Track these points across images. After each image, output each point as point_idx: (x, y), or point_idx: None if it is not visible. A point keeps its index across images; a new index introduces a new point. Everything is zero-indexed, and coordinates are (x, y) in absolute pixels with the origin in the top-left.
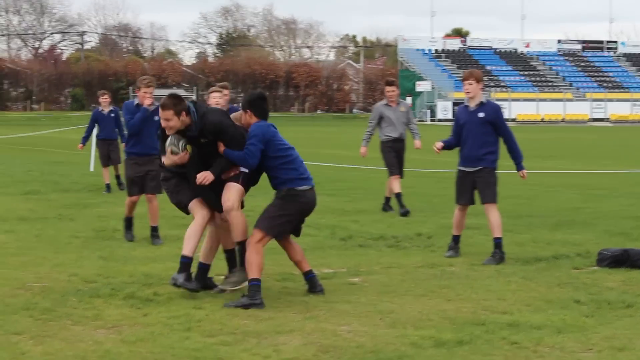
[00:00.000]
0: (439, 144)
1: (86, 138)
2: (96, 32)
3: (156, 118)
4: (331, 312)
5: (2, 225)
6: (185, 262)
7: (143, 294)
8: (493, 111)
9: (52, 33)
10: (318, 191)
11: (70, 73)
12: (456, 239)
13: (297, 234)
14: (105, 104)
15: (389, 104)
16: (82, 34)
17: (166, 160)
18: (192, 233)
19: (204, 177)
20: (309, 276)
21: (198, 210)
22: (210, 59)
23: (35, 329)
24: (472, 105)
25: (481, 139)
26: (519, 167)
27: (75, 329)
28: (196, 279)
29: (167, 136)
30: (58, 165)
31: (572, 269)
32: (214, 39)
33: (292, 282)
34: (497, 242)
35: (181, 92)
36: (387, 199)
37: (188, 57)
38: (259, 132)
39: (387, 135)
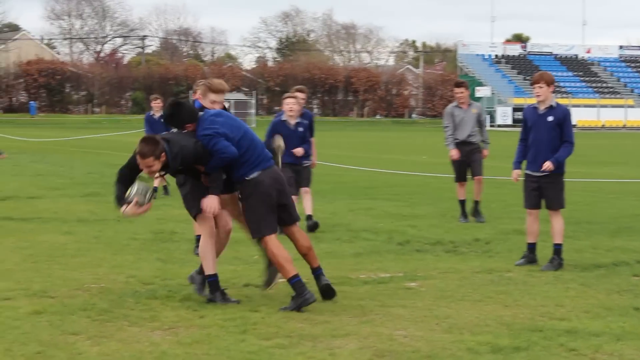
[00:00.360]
0: (515, 174)
1: None
2: (157, 36)
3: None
4: (387, 316)
5: (61, 226)
6: (212, 281)
7: (199, 297)
8: (562, 115)
9: (114, 37)
10: (376, 196)
11: (131, 77)
12: (530, 247)
13: (291, 219)
14: (157, 108)
15: (460, 106)
16: (143, 38)
17: (128, 209)
18: (204, 251)
19: (211, 206)
20: (317, 273)
21: (202, 225)
22: (270, 64)
23: (93, 329)
24: (542, 108)
25: (550, 144)
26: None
27: (132, 330)
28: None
29: (131, 181)
30: (118, 167)
31: (632, 276)
32: (273, 43)
33: (349, 286)
34: (557, 249)
35: (240, 96)
36: (476, 202)
37: (248, 61)
38: (209, 128)
39: (455, 138)
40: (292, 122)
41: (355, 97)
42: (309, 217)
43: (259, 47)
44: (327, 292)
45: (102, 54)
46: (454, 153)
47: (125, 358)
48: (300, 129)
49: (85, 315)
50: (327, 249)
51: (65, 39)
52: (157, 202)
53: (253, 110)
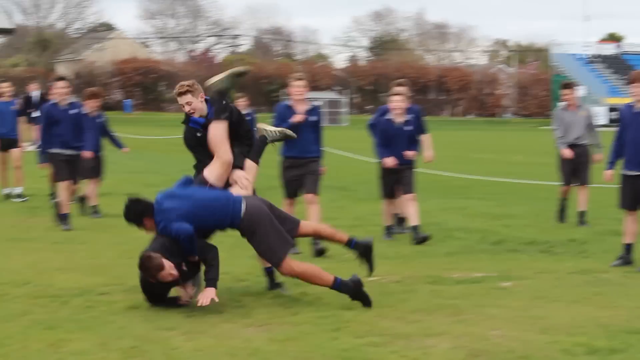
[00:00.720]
0: (609, 174)
1: None
2: (249, 35)
3: (311, 118)
4: (481, 316)
5: None
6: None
7: (292, 293)
8: None
9: (207, 36)
10: (469, 195)
11: None
12: (627, 247)
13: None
14: (242, 106)
15: (568, 108)
16: (235, 37)
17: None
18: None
19: (207, 299)
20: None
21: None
22: (362, 63)
23: (187, 325)
24: (639, 107)
25: None
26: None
27: (226, 326)
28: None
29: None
30: None
31: None
32: (365, 42)
33: (442, 285)
34: None
35: (332, 95)
36: (581, 213)
37: (339, 60)
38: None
39: (565, 141)
40: (399, 120)
41: (447, 97)
42: (415, 228)
43: (351, 46)
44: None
45: (195, 53)
46: (567, 152)
47: (219, 354)
48: (408, 128)
49: (179, 310)
50: (420, 248)
51: (159, 38)
52: None
53: (345, 109)
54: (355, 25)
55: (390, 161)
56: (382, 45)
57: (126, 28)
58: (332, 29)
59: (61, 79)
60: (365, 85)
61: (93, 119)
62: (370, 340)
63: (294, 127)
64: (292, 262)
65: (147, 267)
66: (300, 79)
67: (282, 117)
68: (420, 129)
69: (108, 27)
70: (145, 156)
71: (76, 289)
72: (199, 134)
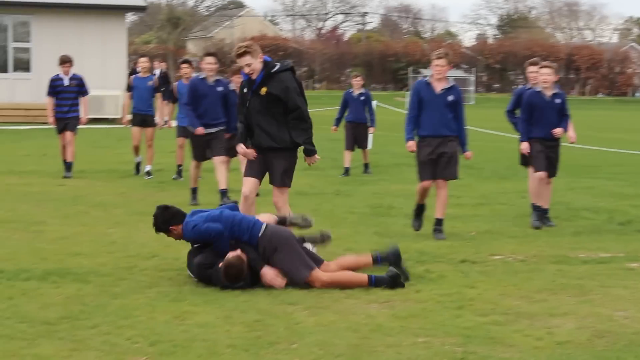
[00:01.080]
0: None
1: (339, 120)
2: (377, 13)
3: (449, 98)
4: (607, 296)
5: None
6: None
7: (416, 271)
8: None
9: (335, 14)
10: (597, 175)
11: (351, 53)
12: None
13: None
14: (357, 86)
15: None
16: (364, 14)
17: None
18: None
19: (270, 277)
20: None
21: None
22: (490, 41)
23: (310, 300)
24: None
25: None
26: None
27: (349, 302)
28: None
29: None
30: (336, 142)
31: None
32: (494, 20)
33: (567, 265)
34: None
35: (459, 73)
36: None
37: (467, 38)
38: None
39: None
40: (548, 93)
41: (576, 75)
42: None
43: (479, 24)
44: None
45: (323, 31)
46: None
47: (342, 329)
48: (558, 101)
49: (302, 286)
50: (546, 227)
51: (287, 15)
52: (374, 177)
53: (472, 88)
54: (484, 2)
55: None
56: (511, 23)
57: (255, 6)
58: (461, 6)
59: (210, 54)
60: (493, 64)
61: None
62: (493, 318)
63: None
64: (320, 274)
65: (235, 273)
66: (440, 57)
67: (419, 94)
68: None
69: (238, 5)
70: None
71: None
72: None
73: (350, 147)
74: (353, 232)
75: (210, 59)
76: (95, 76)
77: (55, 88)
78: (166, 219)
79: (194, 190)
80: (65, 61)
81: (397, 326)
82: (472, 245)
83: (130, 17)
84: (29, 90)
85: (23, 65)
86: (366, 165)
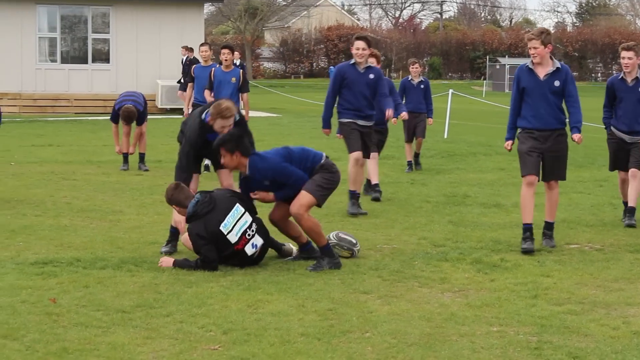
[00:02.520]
0: None
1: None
2: (455, 2)
3: (555, 84)
4: None
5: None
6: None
7: (490, 260)
8: None
9: (412, 3)
10: None
11: (428, 42)
12: None
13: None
14: (415, 73)
15: None
16: (441, 3)
17: None
18: None
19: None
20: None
21: None
22: (569, 29)
23: (383, 289)
24: None
25: None
26: None
27: (422, 290)
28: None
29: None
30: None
31: None
32: (573, 8)
33: None
34: None
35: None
36: None
37: (546, 26)
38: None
39: None
40: (629, 79)
41: None
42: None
43: (558, 11)
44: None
45: (400, 20)
46: None
47: (415, 318)
48: None
49: (376, 275)
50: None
51: (365, 5)
52: (449, 166)
53: None
54: None
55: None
56: (590, 11)
57: None
58: None
59: (362, 38)
60: (571, 52)
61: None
62: (569, 308)
63: None
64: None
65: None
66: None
67: (518, 80)
68: None
69: None
70: None
71: (275, 252)
72: None
73: (410, 139)
74: (428, 221)
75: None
76: (173, 67)
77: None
78: (235, 143)
79: (354, 196)
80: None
81: (471, 315)
82: None
83: (208, 8)
84: (108, 81)
85: (102, 57)
86: (417, 156)
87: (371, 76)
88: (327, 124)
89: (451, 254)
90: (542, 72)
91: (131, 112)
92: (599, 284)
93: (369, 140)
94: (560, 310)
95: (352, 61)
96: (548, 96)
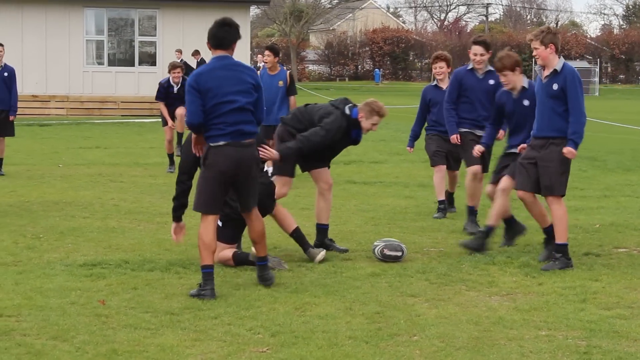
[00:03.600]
0: None
1: None
2: (501, 4)
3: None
4: None
5: (403, 190)
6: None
7: (538, 263)
8: None
9: (458, 5)
10: None
11: None
12: None
13: (246, 206)
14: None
15: None
16: (487, 5)
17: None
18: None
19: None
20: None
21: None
22: (615, 31)
23: (430, 292)
24: None
25: None
26: None
27: (470, 294)
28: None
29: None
30: None
31: None
32: (620, 10)
33: None
34: None
35: (584, 64)
36: None
37: (592, 29)
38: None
39: None
40: None
41: None
42: None
43: (605, 14)
44: (265, 281)
45: (445, 22)
46: None
47: (463, 322)
48: None
49: (423, 278)
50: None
51: (410, 7)
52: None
53: (596, 79)
54: None
55: None
56: (637, 13)
57: None
58: None
59: (480, 42)
60: (618, 54)
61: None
62: (618, 312)
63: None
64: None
65: None
66: None
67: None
68: None
69: None
70: (393, 125)
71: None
72: None
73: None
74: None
75: (478, 49)
76: None
77: (163, 94)
78: None
79: (472, 212)
80: (176, 67)
81: (519, 319)
82: (596, 237)
83: (254, 11)
84: (154, 84)
85: (148, 59)
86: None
87: (491, 82)
88: (453, 130)
89: (498, 258)
90: (544, 75)
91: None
92: None
93: (487, 152)
94: (609, 315)
95: (470, 66)
96: (545, 101)
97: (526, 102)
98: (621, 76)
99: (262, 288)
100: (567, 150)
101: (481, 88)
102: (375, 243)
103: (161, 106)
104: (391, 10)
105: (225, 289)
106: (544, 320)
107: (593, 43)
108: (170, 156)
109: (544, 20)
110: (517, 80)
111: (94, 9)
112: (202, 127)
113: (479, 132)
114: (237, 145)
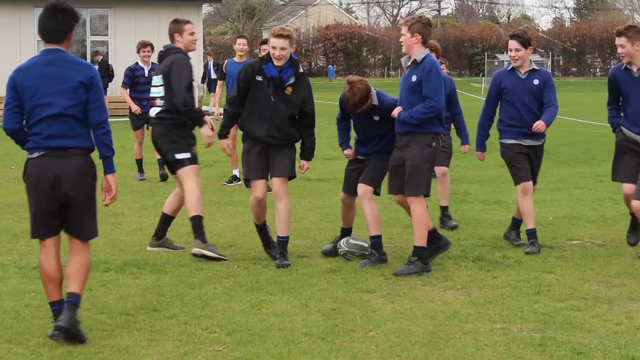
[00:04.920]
0: None
1: None
2: None
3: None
4: None
5: None
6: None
7: (492, 257)
8: None
9: (410, 0)
10: None
11: None
12: None
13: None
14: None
15: None
16: (439, 0)
17: None
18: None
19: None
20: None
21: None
22: (567, 24)
23: (386, 287)
24: None
25: None
26: None
27: (425, 289)
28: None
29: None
30: None
31: None
32: (571, 3)
33: None
34: None
35: (536, 57)
36: None
37: (544, 22)
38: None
39: None
40: (633, 69)
41: None
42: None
43: (556, 7)
44: (68, 333)
45: (398, 18)
46: None
47: (418, 316)
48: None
49: (379, 273)
50: (625, 211)
51: (362, 3)
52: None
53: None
54: None
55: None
56: (589, 6)
57: None
58: None
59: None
60: (569, 47)
61: None
62: (571, 304)
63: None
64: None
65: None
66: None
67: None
68: None
69: None
70: None
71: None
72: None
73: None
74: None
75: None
76: None
77: (133, 79)
78: None
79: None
80: (147, 45)
81: (474, 313)
82: (550, 230)
83: (206, 9)
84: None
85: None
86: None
87: (536, 82)
88: (482, 146)
89: (453, 252)
90: (406, 66)
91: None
92: (601, 279)
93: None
94: (563, 307)
95: (510, 66)
96: (405, 93)
97: None
98: (573, 69)
99: (218, 287)
100: (396, 112)
101: (524, 89)
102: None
103: (123, 93)
104: (344, 6)
105: (181, 288)
106: (499, 313)
107: (545, 36)
108: (139, 162)
109: (496, 14)
110: None
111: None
112: (20, 134)
113: (527, 142)
114: (56, 155)
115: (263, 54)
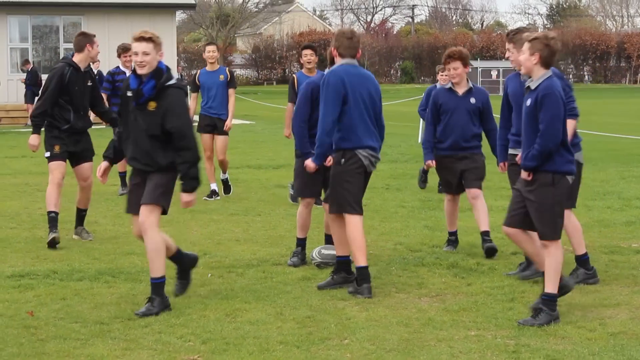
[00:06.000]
0: None
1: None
2: (426, 6)
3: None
4: None
5: None
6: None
7: (466, 264)
8: None
9: (384, 7)
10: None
11: (400, 46)
12: None
13: None
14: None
15: None
16: (412, 7)
17: None
18: None
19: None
20: None
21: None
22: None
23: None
24: None
25: None
26: None
27: (399, 296)
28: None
29: None
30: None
31: None
32: (544, 9)
33: (620, 255)
34: None
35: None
36: None
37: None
38: None
39: None
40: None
41: (628, 64)
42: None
43: (529, 13)
44: None
45: (372, 25)
46: None
47: (393, 324)
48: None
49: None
50: (598, 217)
51: (336, 9)
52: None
53: None
54: None
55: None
56: (561, 12)
57: (304, 1)
58: None
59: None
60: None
61: None
62: None
63: None
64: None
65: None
66: None
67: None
68: None
69: (286, 1)
70: None
71: (252, 260)
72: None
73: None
74: (404, 227)
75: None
76: None
77: (114, 83)
78: None
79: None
80: (127, 50)
81: (449, 320)
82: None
83: (180, 15)
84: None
85: None
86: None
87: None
88: (503, 157)
89: (427, 259)
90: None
91: None
92: (575, 286)
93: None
94: None
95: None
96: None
97: None
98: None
99: (192, 295)
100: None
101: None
102: (312, 251)
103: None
104: (317, 13)
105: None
106: (473, 320)
107: None
108: (122, 176)
109: (470, 21)
110: None
111: (18, 16)
112: None
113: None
114: None
115: (207, 55)
